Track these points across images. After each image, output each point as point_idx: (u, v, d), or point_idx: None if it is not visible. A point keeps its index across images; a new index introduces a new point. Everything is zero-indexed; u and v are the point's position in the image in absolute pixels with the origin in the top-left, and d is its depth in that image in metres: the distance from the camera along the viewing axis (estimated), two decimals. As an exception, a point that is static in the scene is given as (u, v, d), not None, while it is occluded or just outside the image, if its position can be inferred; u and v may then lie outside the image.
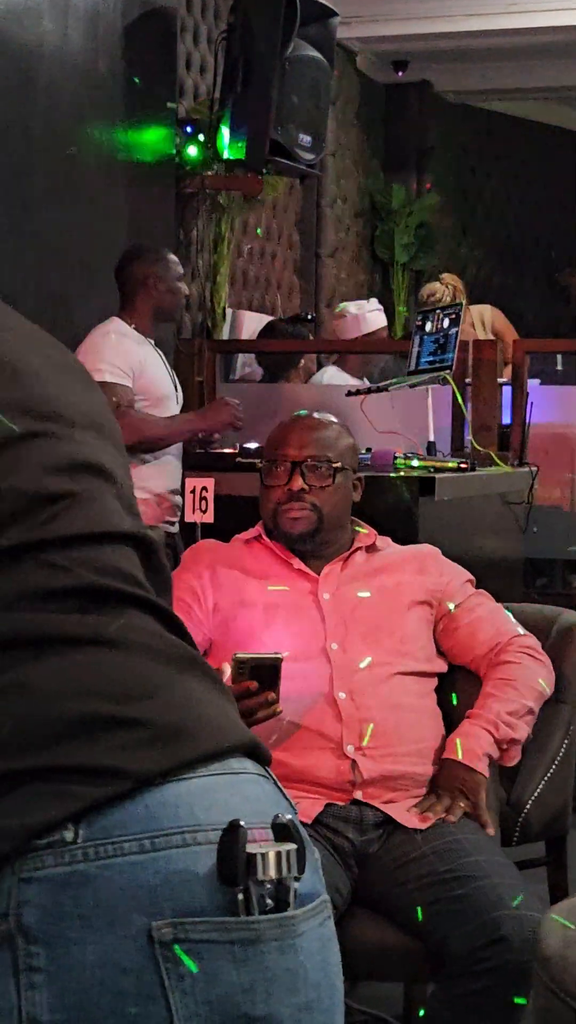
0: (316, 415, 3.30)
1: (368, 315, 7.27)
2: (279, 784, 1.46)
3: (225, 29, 6.52)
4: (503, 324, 8.14)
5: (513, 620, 3.23)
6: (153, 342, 5.29)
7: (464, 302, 5.95)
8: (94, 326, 5.26)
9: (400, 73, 9.97)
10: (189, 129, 6.89)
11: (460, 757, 2.98)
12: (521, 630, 3.21)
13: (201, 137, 6.81)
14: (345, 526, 3.24)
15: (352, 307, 7.40)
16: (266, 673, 2.76)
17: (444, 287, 7.56)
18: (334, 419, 3.30)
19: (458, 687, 3.20)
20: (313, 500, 3.14)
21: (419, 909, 2.75)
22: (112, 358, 5.04)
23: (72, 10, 5.84)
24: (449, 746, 3.03)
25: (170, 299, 5.31)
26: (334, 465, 3.16)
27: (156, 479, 5.04)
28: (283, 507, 3.15)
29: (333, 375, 7.10)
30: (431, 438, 4.83)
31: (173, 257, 5.42)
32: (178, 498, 5.09)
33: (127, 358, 5.08)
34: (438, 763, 3.06)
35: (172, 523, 5.11)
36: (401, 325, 9.30)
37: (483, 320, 8.11)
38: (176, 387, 5.36)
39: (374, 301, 7.62)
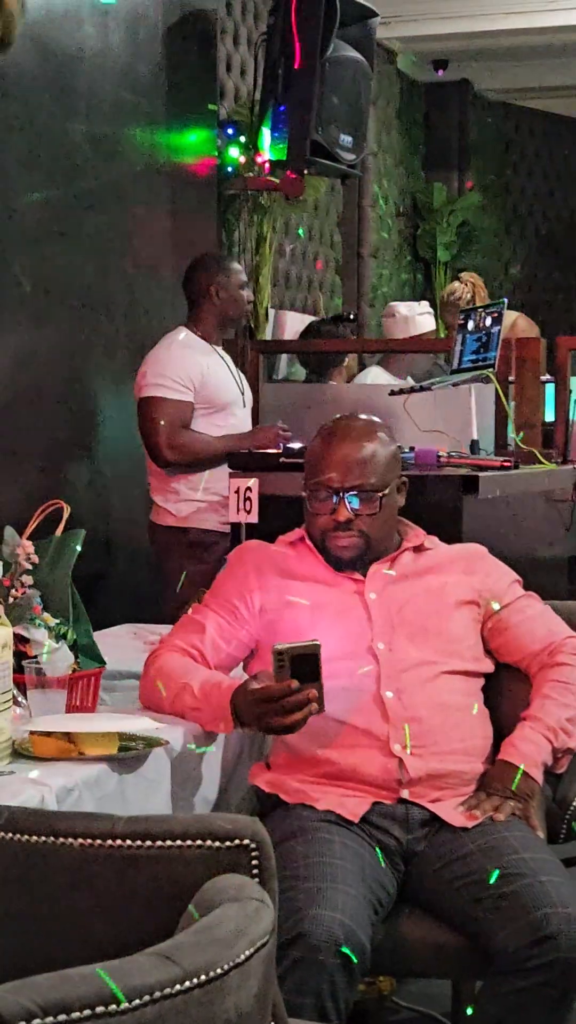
0: (357, 422, 3.24)
1: (418, 318, 7.27)
2: None
3: (265, 31, 6.53)
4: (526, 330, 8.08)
5: (563, 622, 3.23)
6: (219, 349, 5.48)
7: (485, 300, 5.94)
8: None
9: (440, 72, 9.97)
10: (230, 131, 6.91)
11: (518, 762, 2.98)
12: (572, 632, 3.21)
13: (242, 139, 6.83)
14: (392, 534, 3.23)
15: (402, 308, 7.39)
16: (306, 664, 2.79)
17: (464, 286, 7.54)
18: (375, 420, 3.27)
19: (504, 687, 3.20)
20: (361, 527, 3.13)
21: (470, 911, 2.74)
22: (172, 372, 5.25)
23: (112, 14, 5.87)
24: (505, 748, 3.03)
25: (233, 307, 5.49)
26: (379, 494, 3.14)
27: (220, 483, 5.14)
28: (331, 534, 3.14)
29: (377, 375, 7.09)
30: (474, 436, 4.82)
31: (236, 266, 5.59)
32: None
33: (188, 370, 5.27)
34: (487, 762, 3.06)
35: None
36: (442, 327, 9.28)
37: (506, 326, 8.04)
38: (243, 391, 5.52)
39: (425, 304, 7.59)
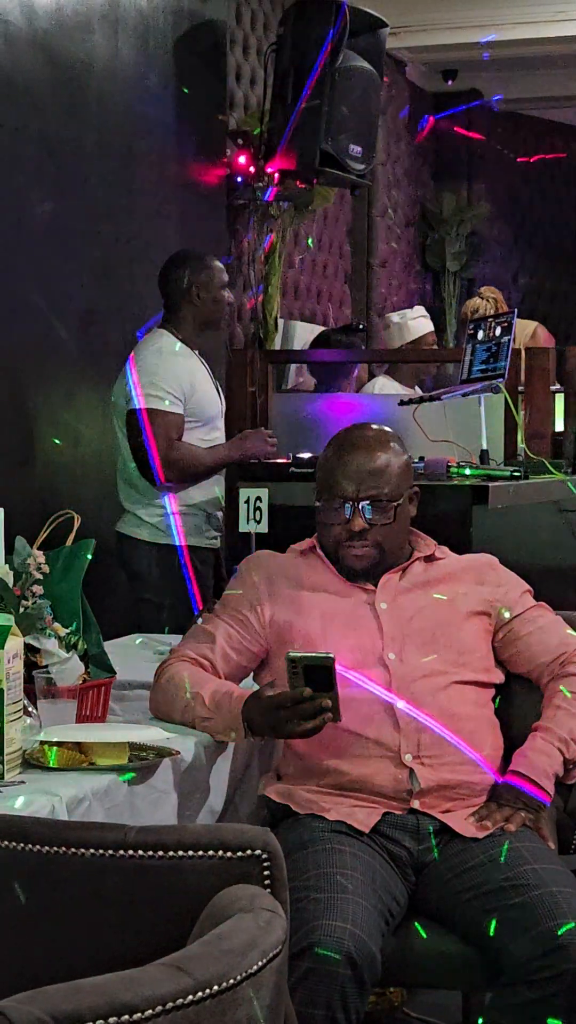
0: (370, 432, 3.24)
1: (411, 322, 7.29)
2: None
3: (275, 41, 6.54)
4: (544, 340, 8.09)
5: (573, 633, 3.22)
6: (198, 353, 5.20)
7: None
8: (148, 339, 5.25)
9: (450, 82, 9.98)
10: (240, 141, 6.92)
11: (530, 773, 2.98)
12: None
13: (252, 149, 6.83)
14: (404, 544, 3.23)
15: (395, 316, 7.45)
16: (319, 674, 2.79)
17: (485, 301, 7.56)
18: (387, 430, 3.27)
19: (515, 697, 3.20)
20: (375, 537, 3.13)
21: (492, 923, 2.74)
22: (166, 383, 4.96)
23: (122, 24, 5.88)
24: (517, 758, 3.02)
25: (214, 309, 5.20)
26: (393, 503, 3.13)
27: (204, 495, 5.06)
28: (345, 544, 3.14)
29: (384, 384, 7.10)
30: (484, 446, 4.83)
31: (218, 264, 5.28)
32: (220, 513, 5.13)
33: (179, 380, 5.00)
34: (498, 773, 3.05)
35: (216, 538, 5.14)
36: (452, 335, 9.29)
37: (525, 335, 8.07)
38: (222, 400, 5.28)
39: (418, 308, 7.63)
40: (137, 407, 4.95)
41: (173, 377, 5.00)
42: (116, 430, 5.12)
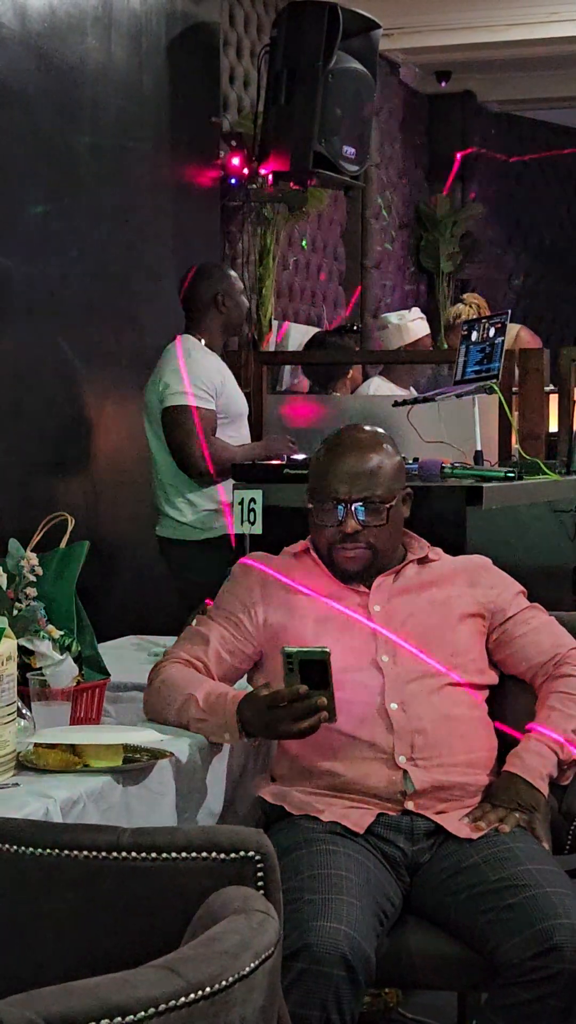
0: (363, 433, 3.24)
1: (410, 324, 7.30)
2: None
3: (268, 43, 6.54)
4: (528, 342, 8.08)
5: (567, 633, 3.22)
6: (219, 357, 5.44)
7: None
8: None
9: (443, 83, 9.98)
10: (233, 143, 6.92)
11: (524, 774, 2.98)
12: None
13: (245, 150, 6.83)
14: (397, 546, 3.23)
15: (393, 317, 7.45)
16: (315, 670, 2.79)
17: (469, 308, 7.58)
18: (380, 431, 3.27)
19: (509, 698, 3.20)
20: (368, 538, 3.13)
21: (486, 923, 2.74)
22: (198, 380, 5.19)
23: (115, 26, 5.88)
24: (511, 759, 3.02)
25: (238, 314, 5.49)
26: (386, 505, 3.14)
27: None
28: (338, 545, 3.14)
29: (379, 386, 7.10)
30: (478, 447, 4.82)
31: (234, 272, 5.61)
32: None
33: (210, 378, 5.23)
34: (492, 774, 3.06)
35: None
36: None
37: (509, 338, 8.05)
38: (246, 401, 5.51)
39: (415, 310, 7.63)
40: (171, 405, 5.18)
41: (204, 375, 5.23)
42: (148, 434, 5.34)
